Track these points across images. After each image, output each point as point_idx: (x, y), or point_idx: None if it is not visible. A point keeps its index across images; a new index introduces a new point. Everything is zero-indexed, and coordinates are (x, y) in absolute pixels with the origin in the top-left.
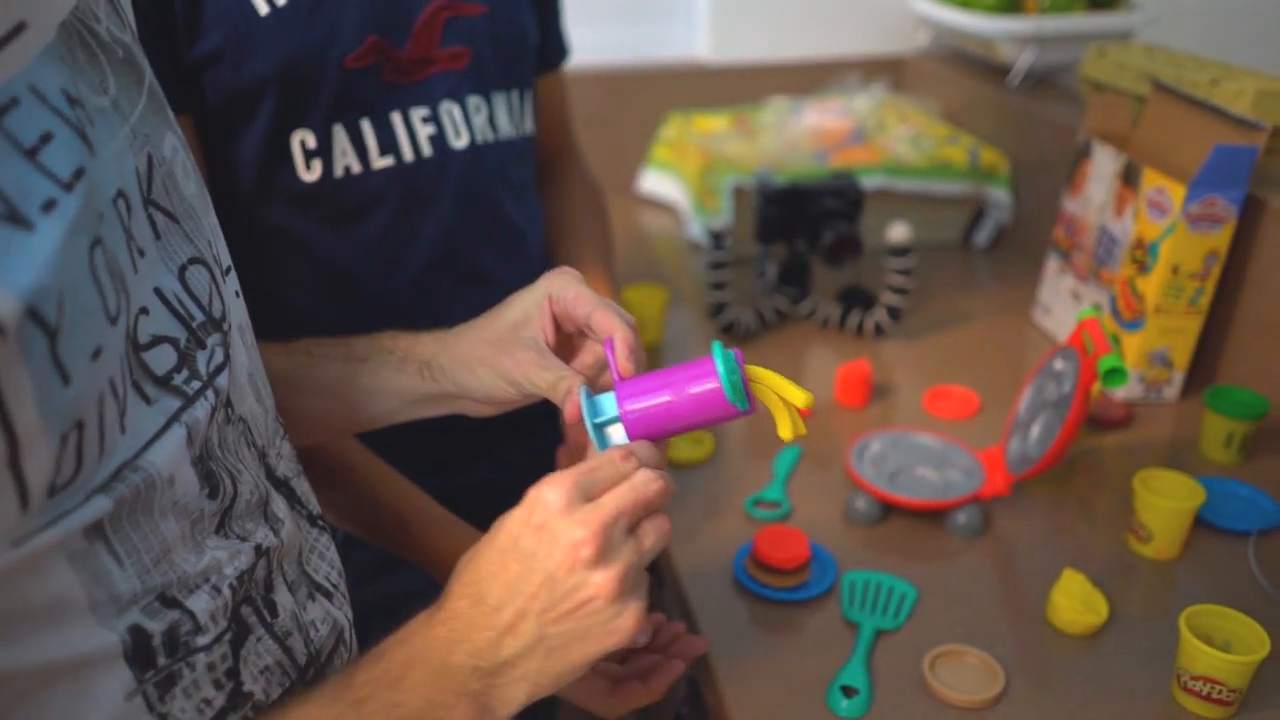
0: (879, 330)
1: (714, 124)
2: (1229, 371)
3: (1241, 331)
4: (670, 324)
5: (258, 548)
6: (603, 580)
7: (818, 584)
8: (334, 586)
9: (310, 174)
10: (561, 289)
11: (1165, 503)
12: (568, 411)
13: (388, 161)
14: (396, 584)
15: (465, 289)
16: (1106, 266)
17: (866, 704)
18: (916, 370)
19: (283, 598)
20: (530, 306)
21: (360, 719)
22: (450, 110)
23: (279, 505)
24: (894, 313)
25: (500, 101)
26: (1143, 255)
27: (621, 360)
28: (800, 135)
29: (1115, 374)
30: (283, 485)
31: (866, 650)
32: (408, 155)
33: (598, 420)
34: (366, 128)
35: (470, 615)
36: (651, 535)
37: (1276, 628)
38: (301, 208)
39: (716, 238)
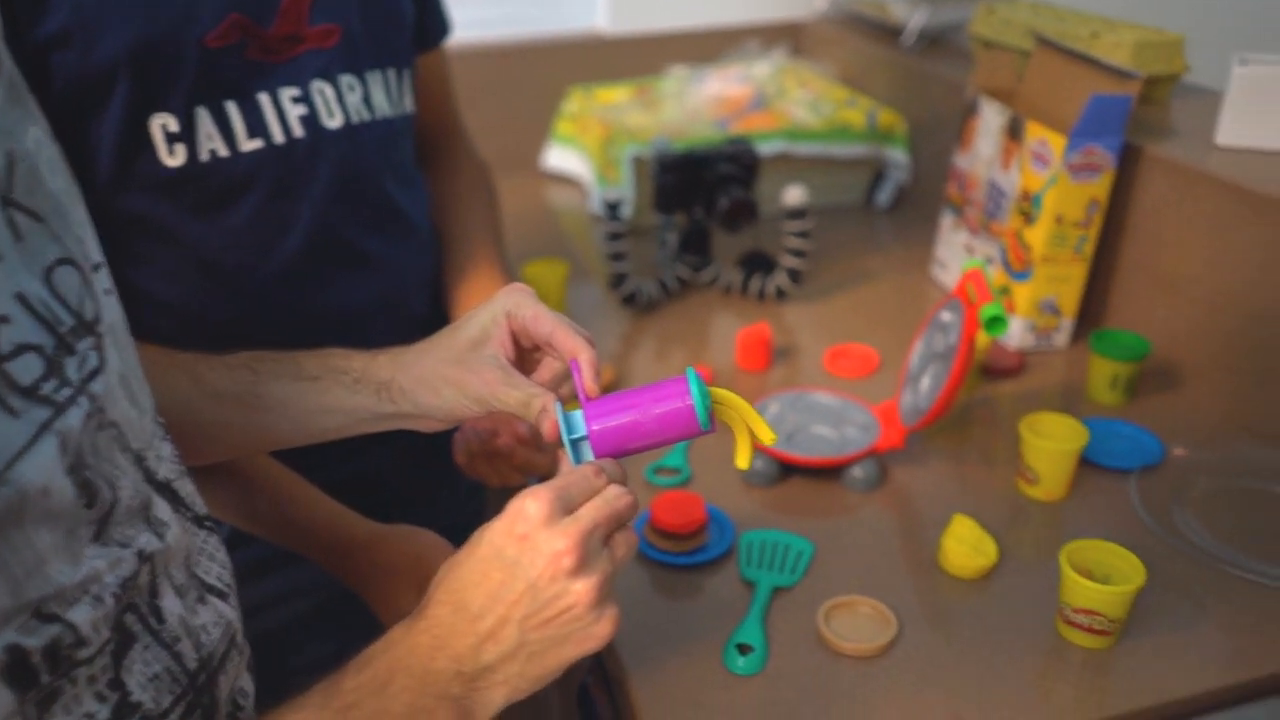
0: (780, 294)
1: (615, 95)
2: (1116, 316)
3: (1125, 277)
4: (575, 298)
5: (140, 553)
6: (583, 589)
7: (716, 547)
8: (227, 587)
9: (173, 159)
10: (518, 307)
11: (1049, 445)
12: (546, 430)
13: (257, 144)
14: (284, 580)
15: (345, 272)
16: (996, 220)
17: (762, 660)
18: (818, 331)
19: (169, 603)
20: (488, 324)
21: None
22: (322, 90)
23: (162, 509)
24: (794, 275)
25: (375, 80)
26: (1028, 207)
27: (588, 381)
28: (701, 104)
29: (996, 322)
30: (165, 488)
31: (763, 608)
32: (278, 137)
33: (573, 437)
34: (233, 110)
35: (452, 622)
36: (623, 547)
37: (1155, 559)
38: (166, 195)
39: (612, 208)
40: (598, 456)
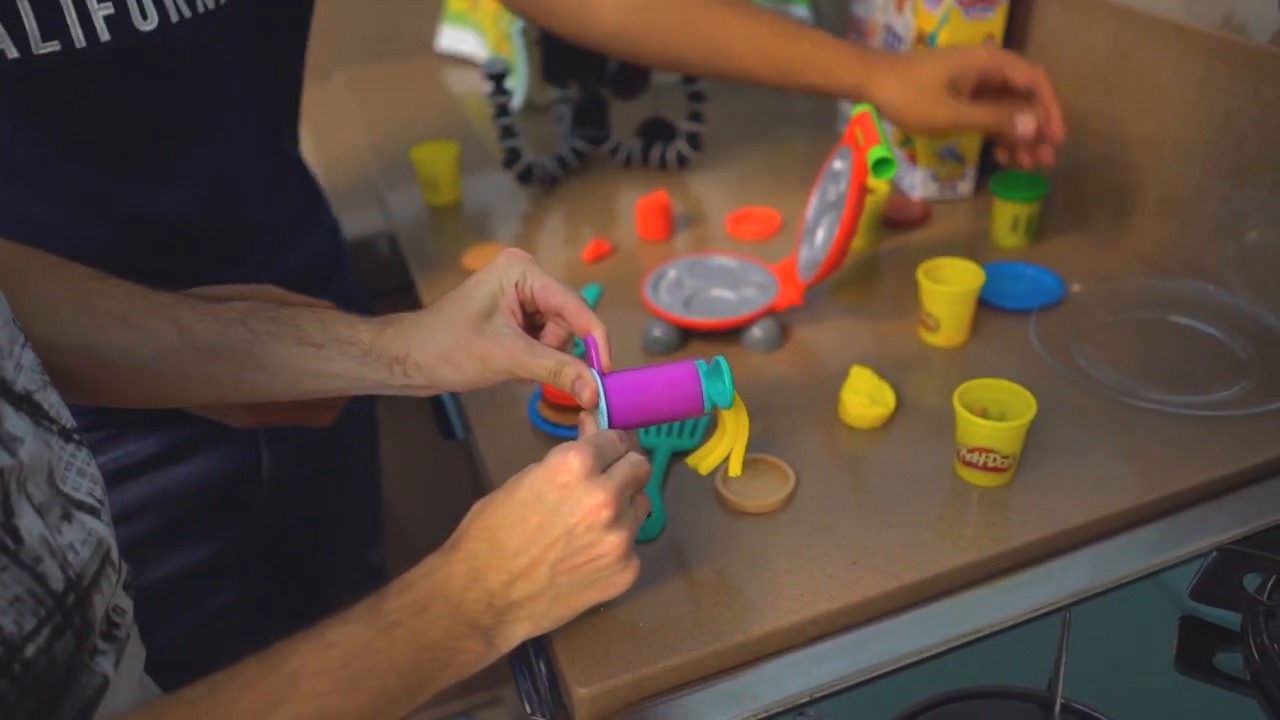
0: (682, 160)
1: None
2: None
3: None
4: (474, 182)
5: None
6: (615, 541)
7: None
8: (98, 502)
9: None
10: (525, 277)
11: (946, 289)
12: (587, 397)
13: (52, 46)
14: (148, 486)
15: (162, 173)
16: None
17: (660, 524)
18: (722, 197)
19: (29, 522)
20: (496, 293)
21: (391, 643)
22: None
23: (17, 423)
24: (694, 140)
25: None
26: (923, 49)
27: (604, 357)
28: None
29: (884, 164)
30: (24, 401)
31: (661, 472)
32: (79, 40)
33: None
34: (24, 6)
35: (488, 558)
36: (642, 509)
37: (1056, 395)
38: None
39: (495, 80)
40: (612, 427)
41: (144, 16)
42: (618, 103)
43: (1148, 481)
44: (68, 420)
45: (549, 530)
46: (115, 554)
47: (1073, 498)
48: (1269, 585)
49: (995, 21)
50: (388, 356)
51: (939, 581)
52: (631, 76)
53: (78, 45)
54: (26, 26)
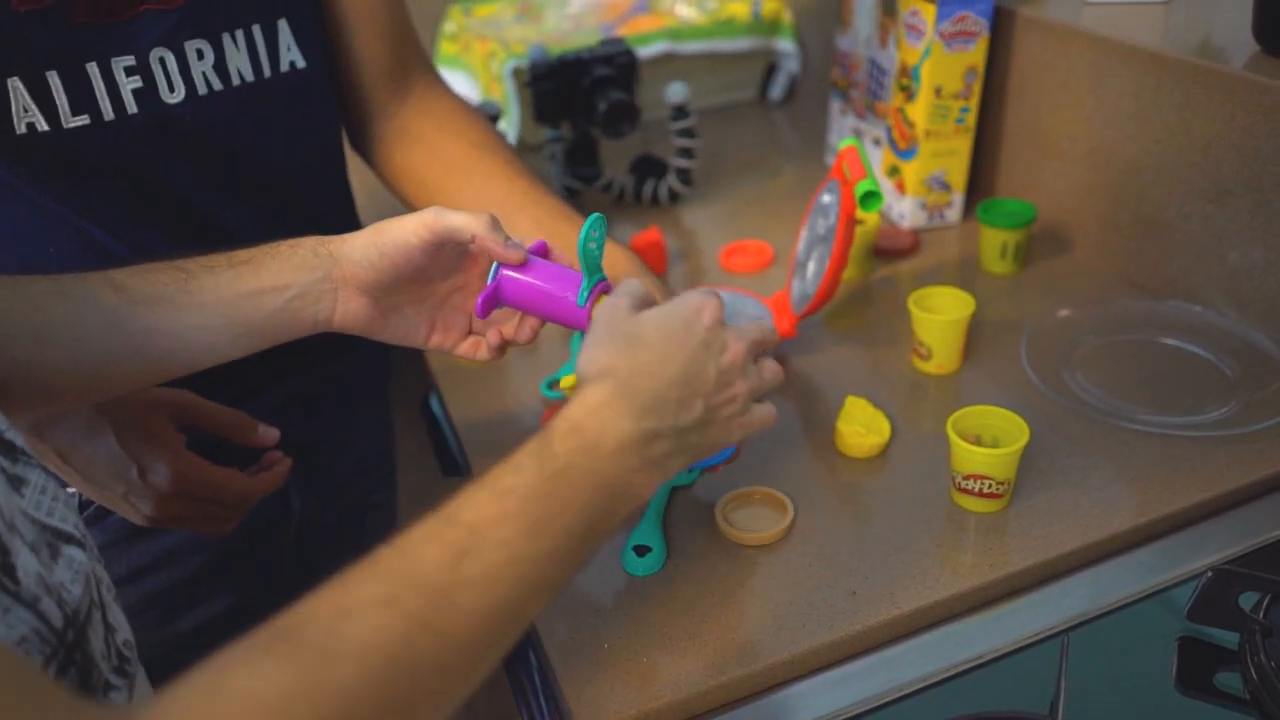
0: (674, 196)
1: (494, 9)
2: (1006, 185)
3: (1011, 145)
4: None
5: None
6: (743, 385)
7: None
8: (83, 534)
9: None
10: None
11: (937, 318)
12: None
13: (82, 120)
14: (169, 539)
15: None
16: (879, 99)
17: (661, 559)
18: (714, 231)
19: (25, 560)
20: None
21: (567, 485)
22: (163, 58)
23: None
24: (684, 176)
25: (234, 42)
26: (908, 82)
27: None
28: (584, 11)
29: (871, 197)
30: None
31: (660, 508)
32: (108, 114)
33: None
34: (55, 81)
35: (650, 389)
36: (769, 371)
37: (1048, 419)
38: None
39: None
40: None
41: (171, 90)
42: (608, 141)
43: (1142, 503)
44: (17, 440)
45: (704, 364)
46: (106, 587)
47: (1068, 522)
48: (1265, 604)
49: (977, 54)
50: (310, 244)
51: (938, 609)
52: (621, 116)
53: (106, 119)
54: (57, 101)
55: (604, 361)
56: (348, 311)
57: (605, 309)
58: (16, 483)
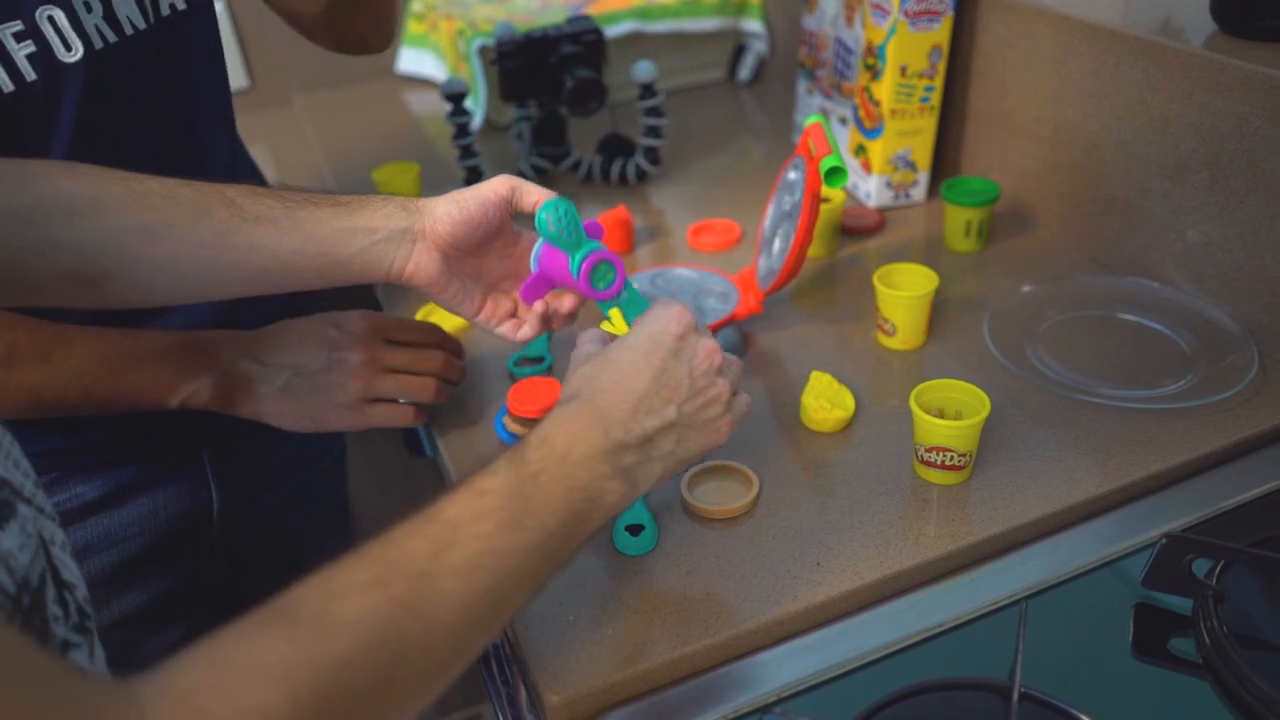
0: (641, 175)
1: None
2: (971, 164)
3: (976, 124)
4: None
5: None
6: (723, 385)
7: None
8: (31, 492)
9: None
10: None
11: (901, 294)
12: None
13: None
14: (111, 521)
15: None
16: (846, 79)
17: (654, 537)
18: (682, 210)
19: None
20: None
21: (540, 488)
22: (52, 17)
23: None
24: (652, 155)
25: None
26: (873, 61)
27: None
28: None
29: (836, 173)
30: None
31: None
32: (6, 85)
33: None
34: None
35: (619, 402)
36: (736, 368)
37: (1011, 393)
38: None
39: (454, 101)
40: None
41: (68, 48)
42: (576, 120)
43: (1101, 474)
44: None
45: (673, 372)
46: (57, 547)
47: (1028, 493)
48: (1217, 570)
49: (942, 33)
50: (400, 200)
51: (901, 579)
52: (588, 94)
53: (6, 90)
54: None
55: (573, 386)
56: (419, 264)
57: (577, 350)
58: None
